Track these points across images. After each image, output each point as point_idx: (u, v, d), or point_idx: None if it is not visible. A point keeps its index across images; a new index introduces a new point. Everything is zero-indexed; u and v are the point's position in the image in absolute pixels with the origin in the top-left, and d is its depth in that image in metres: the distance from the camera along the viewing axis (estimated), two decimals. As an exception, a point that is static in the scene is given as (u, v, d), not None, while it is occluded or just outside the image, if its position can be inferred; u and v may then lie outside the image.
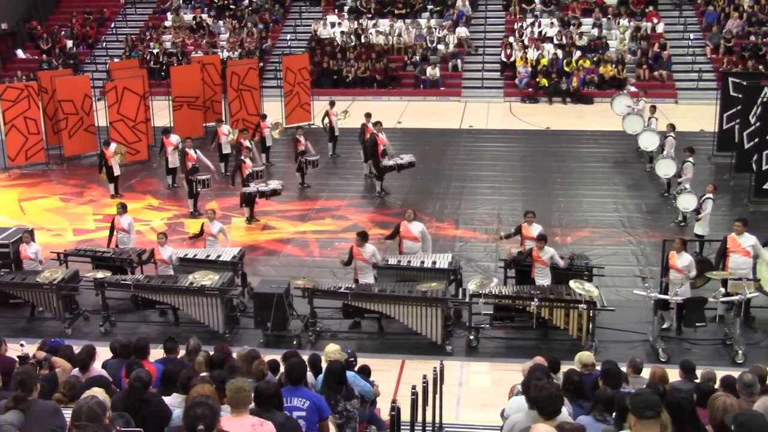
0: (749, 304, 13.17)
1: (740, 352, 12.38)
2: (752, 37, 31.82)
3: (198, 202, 19.44)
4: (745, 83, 21.44)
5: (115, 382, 8.22)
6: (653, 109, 22.97)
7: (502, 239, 15.42)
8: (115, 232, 15.70)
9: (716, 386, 8.04)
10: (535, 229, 14.26)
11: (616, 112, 24.43)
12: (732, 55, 31.22)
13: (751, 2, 33.69)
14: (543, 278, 13.55)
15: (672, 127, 20.53)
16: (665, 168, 19.41)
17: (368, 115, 21.87)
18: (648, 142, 21.56)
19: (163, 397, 7.41)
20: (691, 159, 18.35)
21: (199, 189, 19.26)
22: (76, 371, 8.39)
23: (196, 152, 19.62)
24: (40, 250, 15.01)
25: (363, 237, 13.87)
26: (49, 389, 7.63)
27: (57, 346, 9.50)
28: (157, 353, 9.70)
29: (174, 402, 7.32)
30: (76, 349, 9.09)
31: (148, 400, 7.10)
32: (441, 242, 17.35)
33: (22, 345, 9.21)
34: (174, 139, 20.95)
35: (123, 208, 15.82)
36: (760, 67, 29.51)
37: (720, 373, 8.57)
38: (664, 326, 13.15)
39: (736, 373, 8.47)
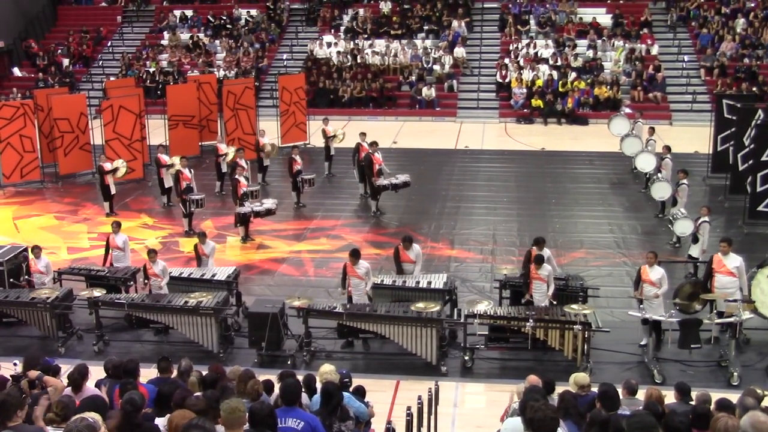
0: (741, 325, 13.19)
1: (735, 374, 12.37)
2: (746, 60, 32.01)
3: (193, 221, 19.42)
4: (739, 105, 21.54)
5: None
6: (652, 130, 22.99)
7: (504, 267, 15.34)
8: (110, 251, 15.71)
9: (712, 408, 8.02)
10: (544, 254, 14.20)
11: (614, 133, 24.46)
12: (726, 77, 31.38)
13: (744, 25, 33.92)
14: (540, 295, 13.54)
15: (668, 148, 20.56)
16: (660, 191, 19.44)
17: (363, 134, 21.91)
18: (645, 164, 21.56)
19: (158, 418, 7.35)
20: (685, 181, 18.39)
21: (192, 209, 19.25)
22: (68, 390, 8.32)
23: (191, 171, 19.70)
24: (50, 263, 15.15)
25: (356, 255, 13.89)
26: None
27: (46, 365, 9.44)
28: (151, 372, 9.66)
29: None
30: (69, 368, 9.04)
31: (140, 425, 7.02)
32: (436, 262, 17.35)
33: (15, 364, 9.15)
34: (167, 157, 21.03)
35: (117, 227, 15.84)
36: (754, 89, 29.66)
37: (715, 395, 8.56)
38: (642, 343, 13.17)
39: (731, 395, 8.47)
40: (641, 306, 13.14)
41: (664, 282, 13.21)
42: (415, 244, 14.91)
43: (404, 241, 14.76)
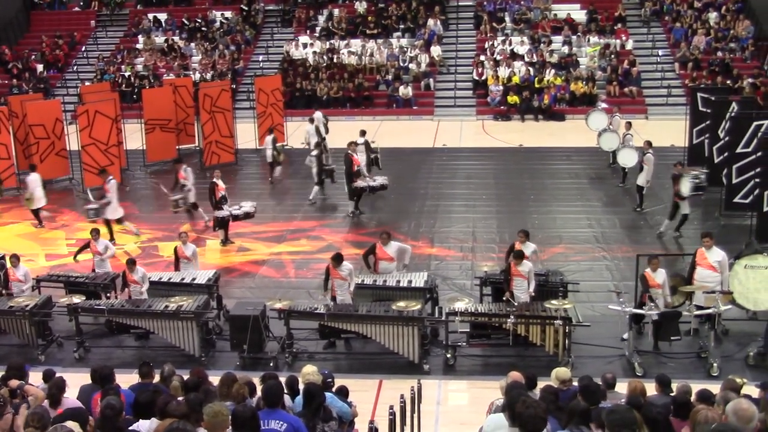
0: (720, 316, 13.29)
1: (715, 365, 12.48)
2: (719, 53, 32.27)
3: (173, 225, 19.31)
4: (713, 98, 21.71)
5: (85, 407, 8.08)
6: (629, 125, 23.01)
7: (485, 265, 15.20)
8: (93, 256, 15.59)
9: (693, 399, 8.09)
10: (528, 248, 14.24)
11: (592, 128, 24.58)
12: (700, 70, 31.62)
13: (717, 18, 34.21)
14: (521, 291, 13.59)
15: (649, 143, 20.51)
16: (641, 180, 19.44)
17: (363, 132, 22.22)
18: (626, 159, 21.61)
19: (141, 421, 7.32)
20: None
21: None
22: (46, 404, 8.21)
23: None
24: (29, 271, 15.00)
25: (338, 260, 13.82)
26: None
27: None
28: (133, 378, 9.62)
29: (151, 427, 7.24)
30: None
31: (120, 429, 6.98)
32: (416, 261, 17.34)
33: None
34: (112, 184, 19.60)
35: (97, 234, 15.74)
36: (728, 82, 29.91)
37: (695, 386, 8.63)
38: (624, 337, 13.24)
39: (711, 386, 8.54)
40: (621, 300, 13.18)
41: (665, 284, 13.22)
42: (393, 241, 14.90)
43: (382, 235, 14.77)
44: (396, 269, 14.61)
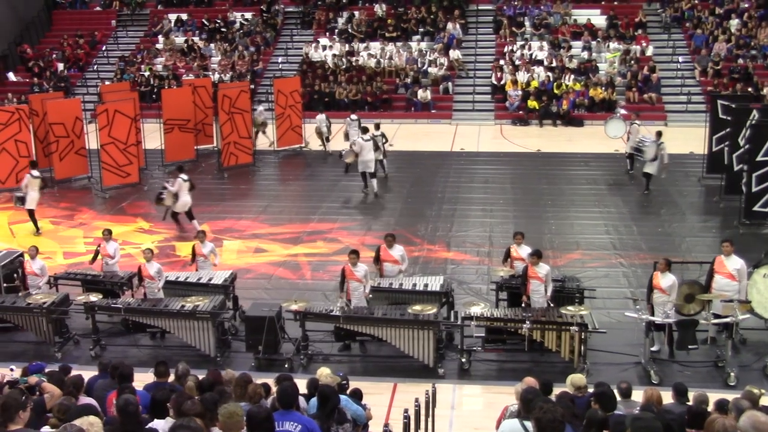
0: (738, 325, 13.18)
1: (732, 374, 12.39)
2: (740, 60, 32.06)
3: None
4: (733, 106, 21.57)
5: (100, 404, 8.10)
6: (659, 135, 22.08)
7: (501, 270, 14.87)
8: (102, 258, 15.61)
9: (709, 409, 8.03)
10: (524, 251, 14.24)
11: (610, 136, 24.48)
12: (721, 77, 31.43)
13: (738, 25, 33.99)
14: (539, 296, 13.53)
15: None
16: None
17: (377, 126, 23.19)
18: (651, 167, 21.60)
19: (156, 420, 7.34)
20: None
21: None
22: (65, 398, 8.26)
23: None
24: (45, 266, 15.13)
25: (357, 255, 13.91)
26: (37, 414, 7.53)
27: (39, 369, 9.39)
28: (148, 377, 9.66)
29: (166, 426, 7.25)
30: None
31: (140, 423, 7.00)
32: (433, 265, 17.36)
33: (11, 370, 9.13)
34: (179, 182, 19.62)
35: (109, 234, 15.79)
36: (749, 89, 29.70)
37: (713, 396, 8.57)
38: (654, 349, 13.14)
39: (728, 395, 8.47)
40: (637, 307, 13.11)
41: (673, 290, 13.03)
42: (398, 245, 14.86)
43: (387, 238, 14.76)
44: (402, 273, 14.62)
